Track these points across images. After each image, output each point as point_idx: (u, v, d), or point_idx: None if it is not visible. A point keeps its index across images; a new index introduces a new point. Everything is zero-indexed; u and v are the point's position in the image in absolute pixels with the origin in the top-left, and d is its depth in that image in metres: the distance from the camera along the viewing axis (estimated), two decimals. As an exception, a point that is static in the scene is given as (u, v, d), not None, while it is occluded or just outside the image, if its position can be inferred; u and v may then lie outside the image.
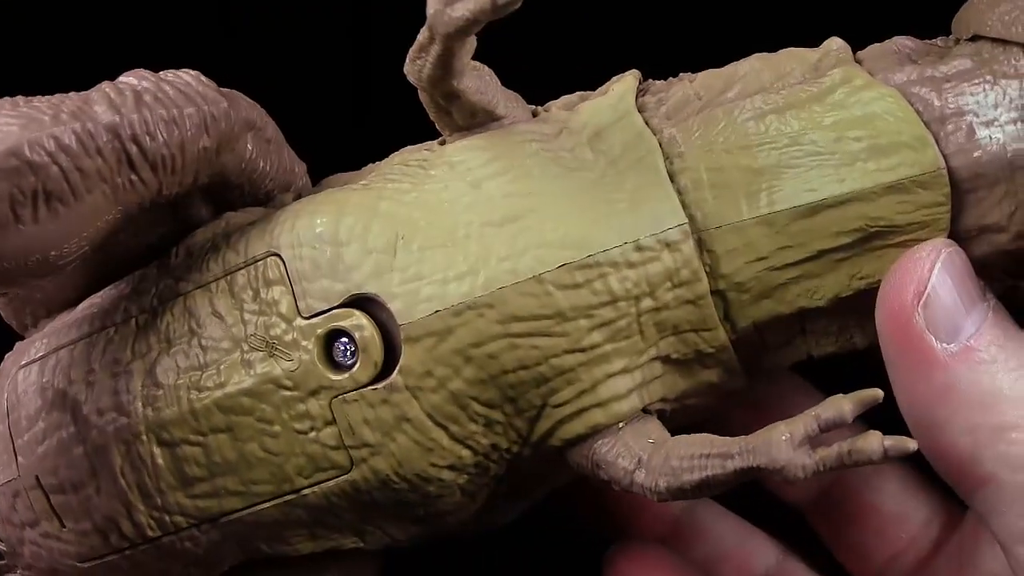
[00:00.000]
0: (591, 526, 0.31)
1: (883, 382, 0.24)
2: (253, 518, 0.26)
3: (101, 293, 0.28)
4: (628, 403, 0.25)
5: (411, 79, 0.26)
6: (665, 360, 0.26)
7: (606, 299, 0.25)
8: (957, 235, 0.24)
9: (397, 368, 0.25)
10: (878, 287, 0.25)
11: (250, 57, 0.28)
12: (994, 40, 0.25)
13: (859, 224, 0.24)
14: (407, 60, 0.25)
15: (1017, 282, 0.25)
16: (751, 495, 0.30)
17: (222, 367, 0.26)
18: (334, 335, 0.25)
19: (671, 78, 0.28)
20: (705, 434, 0.24)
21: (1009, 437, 0.22)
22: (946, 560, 0.28)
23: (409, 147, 0.28)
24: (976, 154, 0.24)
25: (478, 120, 0.26)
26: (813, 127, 0.25)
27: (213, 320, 0.26)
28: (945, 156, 0.24)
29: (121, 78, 0.26)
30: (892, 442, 0.23)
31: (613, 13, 0.34)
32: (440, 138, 0.28)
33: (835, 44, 0.26)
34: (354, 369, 0.25)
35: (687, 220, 0.25)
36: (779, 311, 0.25)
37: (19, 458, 0.27)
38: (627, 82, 0.27)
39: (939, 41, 0.26)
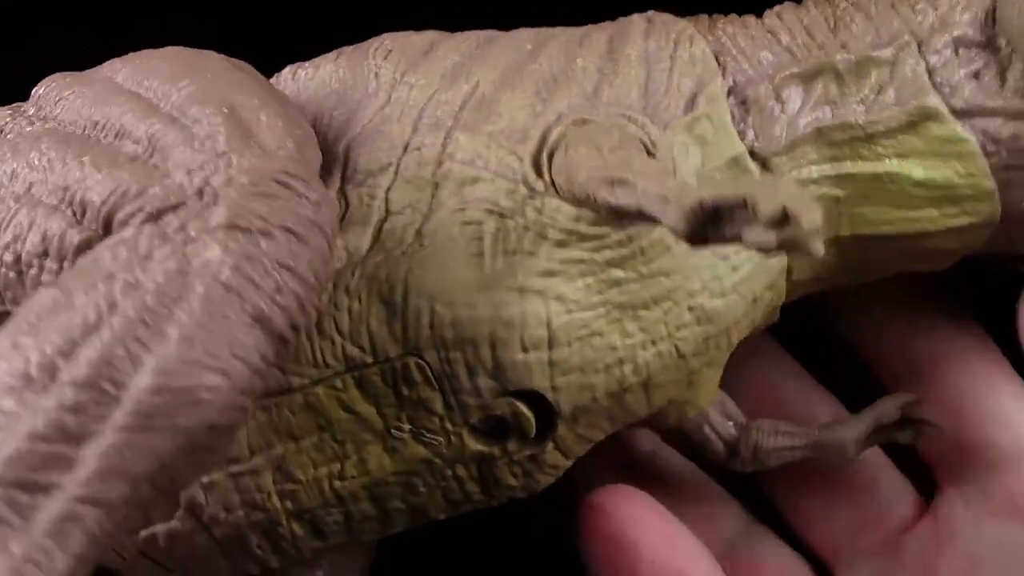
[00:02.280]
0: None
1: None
2: (379, 536, 0.28)
3: None
4: (712, 392, 0.29)
5: (587, 203, 0.23)
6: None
7: (726, 349, 0.27)
8: (990, 248, 0.28)
9: (551, 440, 0.26)
10: (903, 272, 0.29)
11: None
12: None
13: (917, 251, 0.28)
14: (597, 199, 0.23)
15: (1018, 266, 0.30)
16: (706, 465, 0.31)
17: (363, 456, 0.26)
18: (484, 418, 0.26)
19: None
20: (782, 424, 0.30)
21: None
22: (919, 539, 0.29)
23: (484, 151, 0.26)
24: None
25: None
26: (894, 168, 0.26)
27: (345, 416, 0.25)
28: (1002, 199, 0.27)
29: (228, 207, 0.21)
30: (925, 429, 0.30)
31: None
32: (534, 160, 0.25)
33: (904, 38, 0.27)
34: (506, 442, 0.26)
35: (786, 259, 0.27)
36: (815, 288, 0.29)
37: None
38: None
39: (997, 37, 0.27)
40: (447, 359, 0.25)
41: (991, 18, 0.27)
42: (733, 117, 0.26)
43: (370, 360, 0.25)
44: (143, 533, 0.26)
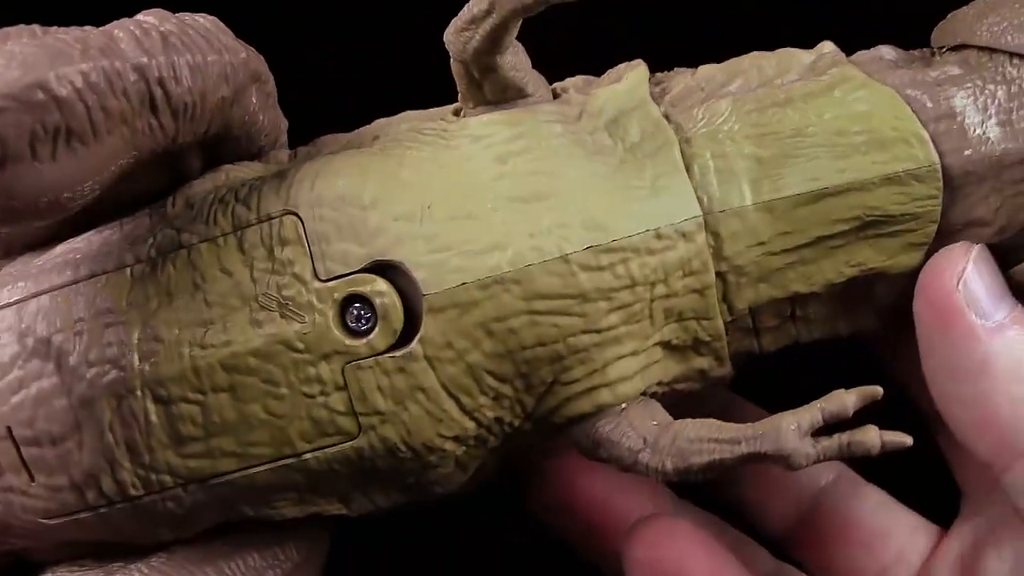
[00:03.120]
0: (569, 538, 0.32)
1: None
2: (246, 481, 0.26)
3: (82, 238, 0.27)
4: (633, 385, 0.26)
5: (452, 49, 0.26)
6: (665, 345, 0.27)
7: (626, 283, 0.25)
8: (946, 227, 0.26)
9: (417, 337, 0.25)
10: (868, 275, 0.26)
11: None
12: (980, 49, 0.27)
13: (857, 213, 0.26)
14: (452, 31, 0.25)
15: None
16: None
17: (228, 324, 0.25)
18: (350, 299, 0.25)
19: (667, 71, 0.29)
20: (712, 419, 0.26)
21: None
22: (944, 571, 0.29)
23: (414, 112, 0.28)
24: (967, 152, 0.26)
25: (508, 96, 0.26)
26: (815, 121, 0.26)
27: (220, 276, 0.25)
28: (939, 153, 0.26)
29: (142, 17, 0.24)
30: (890, 436, 0.24)
31: (608, 9, 0.35)
32: (454, 107, 0.28)
33: (827, 47, 0.28)
34: (371, 335, 0.25)
35: (701, 212, 0.26)
36: (774, 295, 0.27)
37: None
38: (640, 72, 0.28)
39: (916, 52, 0.28)
40: (320, 216, 0.25)
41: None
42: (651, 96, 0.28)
43: (254, 218, 0.26)
44: (14, 399, 0.26)
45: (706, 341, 0.27)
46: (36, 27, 0.23)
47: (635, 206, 0.26)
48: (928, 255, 0.26)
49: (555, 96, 0.28)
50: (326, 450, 0.25)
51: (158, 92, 0.23)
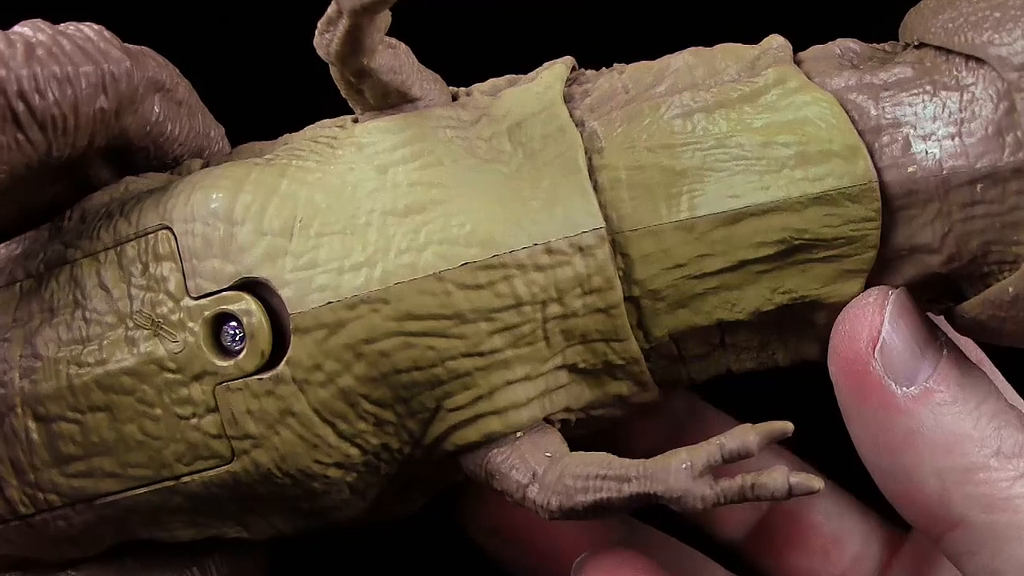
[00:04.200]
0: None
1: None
2: (129, 502, 0.25)
3: None
4: (527, 412, 0.24)
5: (320, 53, 0.24)
6: (572, 369, 0.24)
7: (510, 303, 0.23)
8: (886, 254, 0.23)
9: (285, 359, 0.23)
10: (800, 303, 0.24)
11: (177, 18, 0.26)
12: (938, 48, 0.23)
13: (782, 235, 0.23)
14: (316, 33, 0.23)
15: (942, 307, 0.24)
16: (687, 530, 0.30)
17: (104, 343, 0.24)
18: (223, 319, 0.24)
19: (603, 68, 0.26)
20: (603, 453, 0.23)
21: (976, 478, 0.22)
22: (902, 569, 0.28)
23: (325, 120, 0.27)
24: (911, 169, 0.22)
25: (391, 101, 0.25)
26: (741, 129, 0.23)
27: (99, 292, 0.25)
28: (878, 169, 0.23)
29: (15, 28, 0.24)
30: (798, 479, 0.22)
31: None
32: (354, 114, 0.26)
33: (775, 42, 0.25)
34: (240, 356, 0.24)
35: (604, 224, 0.23)
36: (696, 322, 0.24)
37: None
38: (556, 70, 0.25)
39: (886, 46, 0.25)
40: (191, 232, 0.24)
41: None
42: (571, 97, 0.25)
43: (131, 233, 0.25)
44: None
45: (620, 364, 0.24)
46: None
47: (524, 218, 0.23)
48: (868, 284, 0.23)
49: (454, 99, 0.25)
50: (203, 473, 0.24)
51: (19, 106, 0.23)
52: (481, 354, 0.23)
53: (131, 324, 0.24)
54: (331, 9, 0.23)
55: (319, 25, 0.23)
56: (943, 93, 0.22)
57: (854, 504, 0.29)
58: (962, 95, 0.22)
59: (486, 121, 0.25)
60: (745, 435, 0.22)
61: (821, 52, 0.25)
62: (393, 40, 0.24)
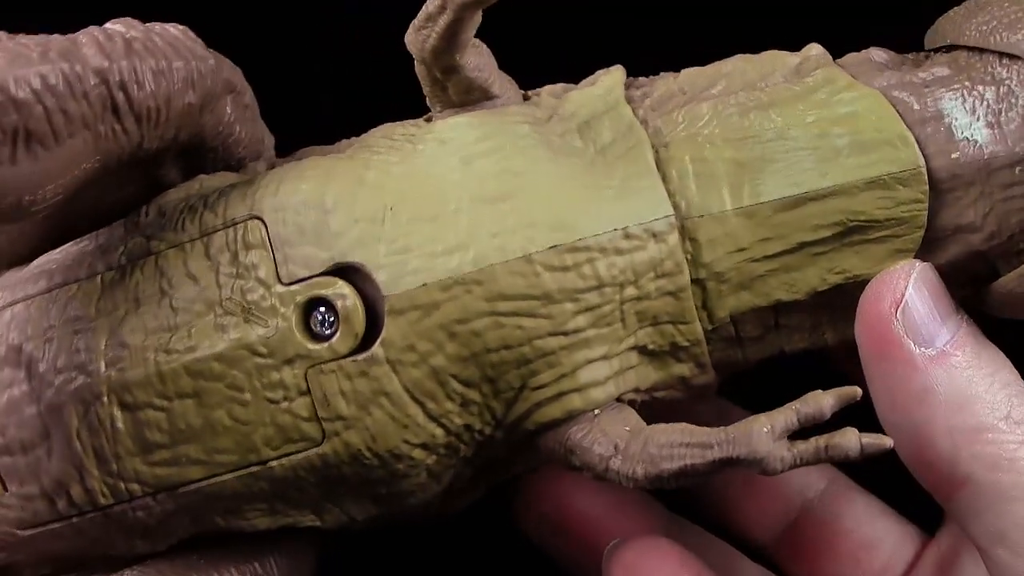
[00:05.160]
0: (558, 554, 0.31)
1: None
2: (213, 489, 0.25)
3: (60, 250, 0.27)
4: (605, 390, 0.25)
5: (412, 49, 0.25)
6: (641, 351, 0.26)
7: (593, 284, 0.25)
8: (933, 233, 0.25)
9: (379, 340, 0.24)
10: (853, 282, 0.25)
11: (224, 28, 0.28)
12: (970, 49, 0.26)
13: (840, 218, 0.25)
14: (411, 30, 0.25)
15: (976, 289, 0.26)
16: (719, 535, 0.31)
17: (193, 330, 0.25)
18: (313, 303, 0.25)
19: (651, 76, 0.28)
20: (683, 423, 0.25)
21: (985, 438, 0.23)
22: (923, 573, 0.29)
23: (389, 124, 0.28)
24: (954, 155, 0.25)
25: (473, 97, 0.26)
26: (796, 123, 0.25)
27: (186, 281, 0.25)
28: (925, 156, 0.25)
29: (109, 25, 0.25)
30: (869, 439, 0.23)
31: (596, 12, 0.34)
32: (426, 115, 0.27)
33: (815, 50, 0.27)
34: (333, 339, 0.24)
35: (673, 211, 0.25)
36: (756, 303, 0.26)
37: None
38: (615, 75, 0.27)
39: (911, 55, 0.27)
40: (282, 220, 0.25)
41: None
42: (631, 99, 0.27)
43: (219, 223, 0.26)
44: None
45: (684, 346, 0.26)
46: (1, 33, 0.23)
47: (603, 205, 0.25)
48: None
49: (525, 99, 0.27)
50: (291, 457, 0.25)
51: (119, 96, 0.24)
52: (565, 333, 0.25)
53: (220, 311, 0.25)
54: (432, 6, 0.24)
55: (417, 22, 0.25)
56: (980, 87, 0.25)
57: (885, 509, 0.30)
58: (999, 88, 0.25)
59: (557, 119, 0.26)
60: (818, 399, 0.24)
61: (856, 58, 0.27)
62: (477, 40, 0.26)
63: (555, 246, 0.24)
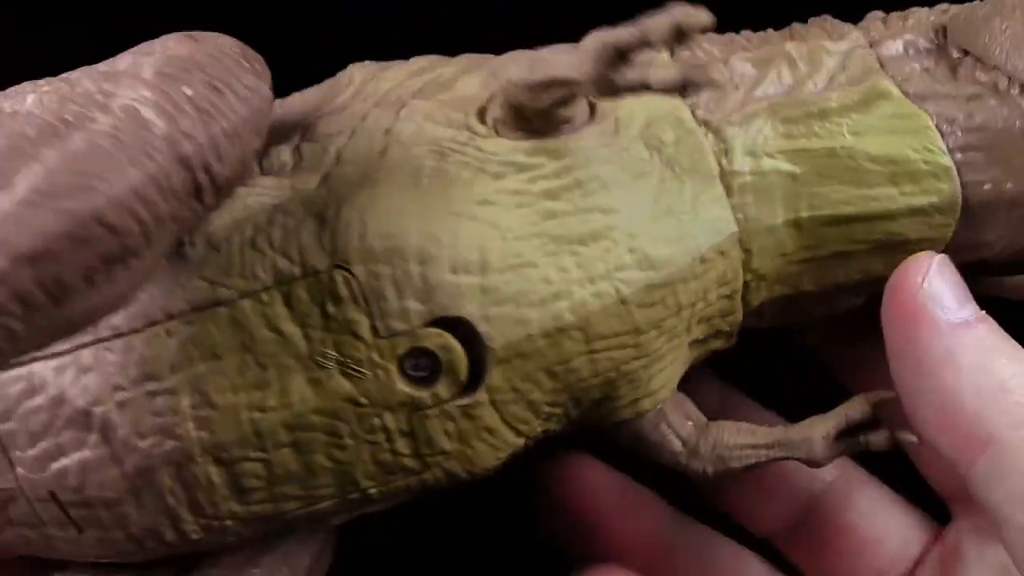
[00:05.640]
0: (567, 547, 0.32)
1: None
2: (307, 514, 0.26)
3: None
4: (669, 388, 0.28)
5: (511, 98, 0.24)
6: (693, 343, 0.28)
7: (674, 311, 0.26)
8: (952, 245, 0.28)
9: (484, 386, 0.25)
10: (872, 278, 0.28)
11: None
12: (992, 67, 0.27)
13: (879, 236, 0.27)
14: (525, 91, 0.23)
15: (988, 280, 0.29)
16: (724, 527, 0.32)
17: (286, 385, 0.25)
18: (413, 351, 0.25)
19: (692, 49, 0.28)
20: (745, 423, 0.28)
21: (1011, 398, 0.24)
22: (928, 569, 0.30)
23: (400, 70, 0.27)
24: (986, 187, 0.27)
25: (553, 126, 0.25)
26: (850, 141, 0.27)
27: (269, 336, 0.24)
28: (962, 183, 0.27)
29: (157, 67, 0.21)
30: (901, 435, 0.27)
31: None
32: (477, 108, 0.26)
33: (855, 38, 0.28)
34: (436, 385, 0.25)
35: (737, 228, 0.26)
36: (785, 292, 0.28)
37: (18, 469, 0.25)
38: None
39: (948, 46, 0.28)
40: (375, 273, 0.24)
41: (941, 34, 0.29)
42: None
43: (298, 272, 0.24)
44: (54, 466, 0.25)
45: (725, 331, 0.28)
46: (55, 121, 0.20)
47: (682, 234, 0.26)
48: None
49: (591, 108, 0.26)
50: (390, 486, 0.26)
51: (203, 179, 0.21)
52: (647, 355, 0.26)
53: (312, 365, 0.25)
54: (562, 84, 0.23)
55: (534, 89, 0.23)
56: (1010, 117, 0.27)
57: (895, 500, 0.31)
58: (1018, 121, 0.27)
59: (622, 129, 0.26)
60: (863, 404, 0.27)
61: (897, 54, 0.28)
62: None
63: (645, 286, 0.25)
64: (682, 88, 0.21)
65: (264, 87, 0.23)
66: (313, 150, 0.26)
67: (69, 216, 0.19)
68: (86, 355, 0.24)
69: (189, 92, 0.21)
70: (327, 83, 0.29)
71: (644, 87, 0.21)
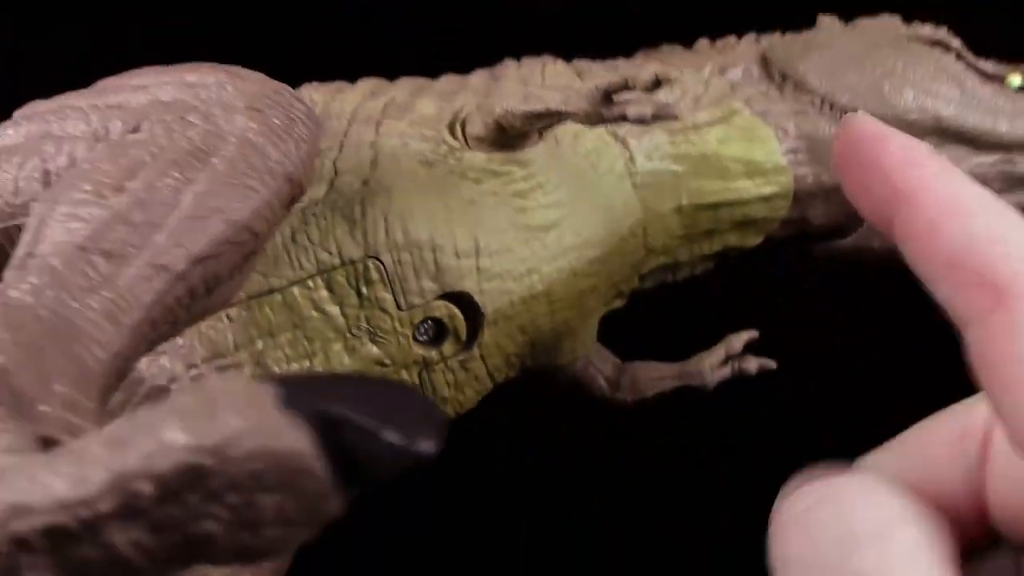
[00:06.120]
0: None
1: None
2: None
3: None
4: (594, 338, 0.36)
5: (504, 122, 0.31)
6: (605, 302, 0.37)
7: (604, 278, 0.35)
8: (786, 221, 0.38)
9: (477, 343, 0.32)
10: (725, 249, 0.38)
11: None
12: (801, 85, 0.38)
13: (738, 217, 0.37)
14: (522, 117, 0.31)
15: (808, 245, 0.40)
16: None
17: (328, 353, 0.31)
18: (424, 319, 0.32)
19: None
20: (652, 362, 0.37)
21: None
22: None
23: (406, 134, 0.33)
24: (810, 180, 0.37)
25: (525, 140, 0.33)
26: (716, 148, 0.36)
27: (315, 314, 0.30)
28: (793, 177, 0.37)
29: (246, 102, 0.27)
30: (764, 361, 0.37)
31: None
32: (447, 122, 0.33)
33: (711, 70, 0.37)
34: (442, 345, 0.32)
35: (642, 213, 0.35)
36: (667, 262, 0.37)
37: None
38: None
39: (773, 73, 0.38)
40: (399, 260, 0.31)
41: (765, 61, 0.39)
42: None
43: (337, 262, 0.30)
44: None
45: (624, 292, 0.37)
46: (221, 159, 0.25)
47: (607, 218, 0.34)
48: (766, 236, 0.38)
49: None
50: None
51: (297, 192, 0.27)
52: (585, 313, 0.35)
53: (349, 336, 0.31)
54: (546, 112, 0.30)
55: (528, 115, 0.30)
56: (822, 124, 0.37)
57: None
58: (830, 127, 0.37)
59: (560, 143, 0.34)
60: (738, 339, 0.37)
61: (737, 77, 0.38)
62: None
63: (590, 260, 0.34)
64: (652, 120, 0.29)
65: (314, 113, 0.29)
66: (337, 163, 0.32)
67: (230, 225, 0.24)
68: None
69: (278, 122, 0.27)
70: None
71: (623, 119, 0.29)
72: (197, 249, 0.24)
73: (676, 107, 0.35)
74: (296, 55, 0.35)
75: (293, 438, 0.14)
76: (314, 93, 0.35)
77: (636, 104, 0.29)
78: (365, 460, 0.14)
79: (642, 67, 0.38)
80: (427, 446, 0.14)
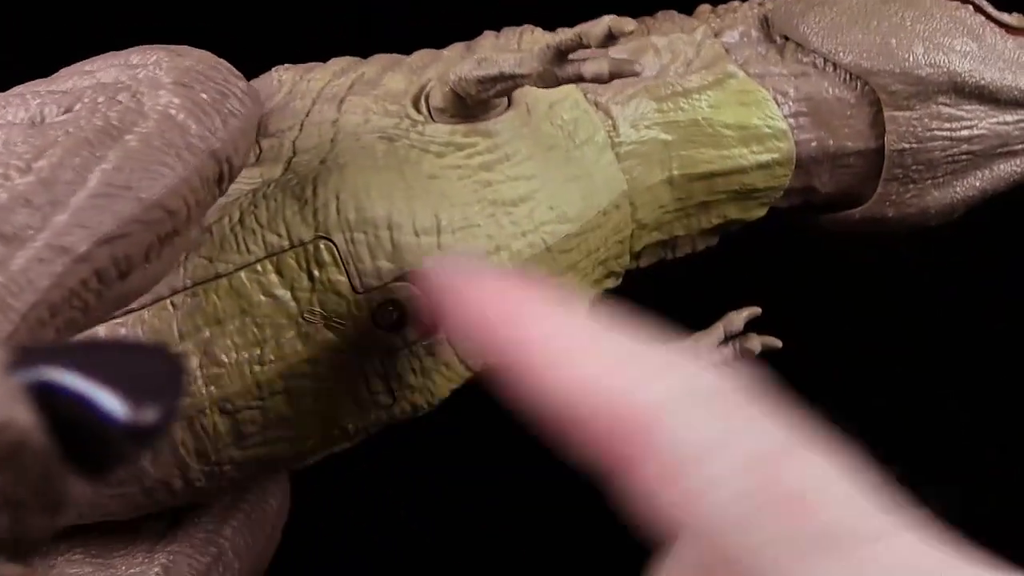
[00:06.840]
0: None
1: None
2: (293, 453, 0.31)
3: None
4: None
5: (459, 90, 0.29)
6: (593, 282, 0.34)
7: (584, 255, 0.32)
8: (790, 189, 0.35)
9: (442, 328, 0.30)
10: (727, 222, 0.35)
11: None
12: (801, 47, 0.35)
13: (735, 187, 0.34)
14: (476, 83, 0.28)
15: (817, 217, 0.37)
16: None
17: (280, 341, 0.29)
18: (384, 302, 0.30)
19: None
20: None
21: None
22: None
23: (341, 65, 0.32)
24: (813, 144, 0.34)
25: (487, 111, 0.31)
26: (709, 113, 0.34)
27: (264, 300, 0.29)
28: (796, 142, 0.34)
29: (174, 77, 0.25)
30: (768, 340, 0.34)
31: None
32: (411, 96, 0.31)
33: (705, 31, 0.35)
34: (405, 329, 0.30)
35: (626, 186, 0.33)
36: (662, 238, 0.35)
37: None
38: None
39: (773, 34, 0.35)
40: (352, 239, 0.29)
41: (765, 24, 0.36)
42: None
43: (287, 244, 0.29)
44: None
45: (616, 271, 0.35)
46: (111, 128, 0.24)
47: (588, 193, 0.32)
48: (770, 208, 0.35)
49: (509, 100, 0.32)
50: (365, 420, 0.31)
51: (226, 169, 0.26)
52: (569, 292, 0.32)
53: (302, 322, 0.29)
54: (501, 75, 0.28)
55: (481, 80, 0.28)
56: (828, 88, 0.34)
57: None
58: (836, 90, 0.34)
59: (532, 112, 0.32)
60: (738, 317, 0.34)
61: (733, 39, 0.35)
62: None
63: (566, 235, 0.31)
64: (609, 77, 0.27)
65: (254, 90, 0.27)
66: (271, 144, 0.31)
67: (139, 203, 0.23)
68: (100, 332, 0.28)
69: (205, 97, 0.25)
70: (255, 84, 0.34)
71: (579, 78, 0.27)
72: (102, 229, 0.23)
73: (667, 72, 0.33)
74: (276, 35, 0.34)
75: (7, 407, 0.13)
76: (284, 74, 0.34)
77: (592, 62, 0.26)
78: (85, 432, 0.12)
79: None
80: (150, 415, 0.12)
